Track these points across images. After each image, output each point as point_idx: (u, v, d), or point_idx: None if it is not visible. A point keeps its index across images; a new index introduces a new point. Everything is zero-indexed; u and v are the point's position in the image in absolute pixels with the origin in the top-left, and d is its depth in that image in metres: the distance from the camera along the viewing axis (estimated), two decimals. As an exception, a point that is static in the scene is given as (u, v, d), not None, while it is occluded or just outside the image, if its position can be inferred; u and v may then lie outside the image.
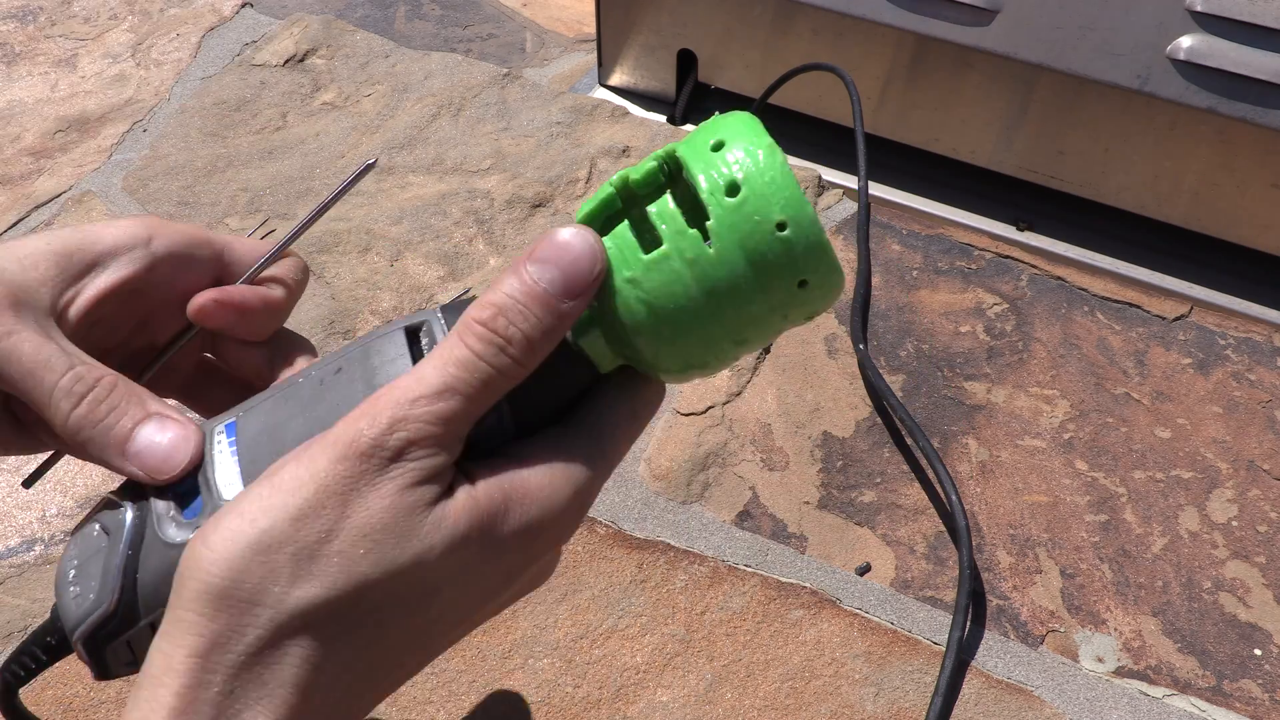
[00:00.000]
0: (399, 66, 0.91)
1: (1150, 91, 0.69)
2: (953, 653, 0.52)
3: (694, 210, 0.26)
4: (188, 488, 0.27)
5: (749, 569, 0.56)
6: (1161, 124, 0.71)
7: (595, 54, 0.96)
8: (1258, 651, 0.54)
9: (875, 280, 0.74)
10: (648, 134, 0.84)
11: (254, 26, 0.96)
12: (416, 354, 0.28)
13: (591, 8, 1.07)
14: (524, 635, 0.53)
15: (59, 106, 0.87)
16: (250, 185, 0.79)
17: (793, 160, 0.86)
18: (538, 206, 0.78)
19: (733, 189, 0.25)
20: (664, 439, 0.62)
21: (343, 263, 0.72)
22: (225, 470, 0.27)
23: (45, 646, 0.29)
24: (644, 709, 0.50)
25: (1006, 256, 0.77)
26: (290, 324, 0.34)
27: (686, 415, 0.64)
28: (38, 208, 0.77)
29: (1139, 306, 0.73)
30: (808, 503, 0.60)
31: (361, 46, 0.94)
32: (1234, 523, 0.60)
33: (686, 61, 0.88)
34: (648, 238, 0.27)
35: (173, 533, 0.26)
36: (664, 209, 0.26)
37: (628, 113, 0.87)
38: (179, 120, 0.85)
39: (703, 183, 0.26)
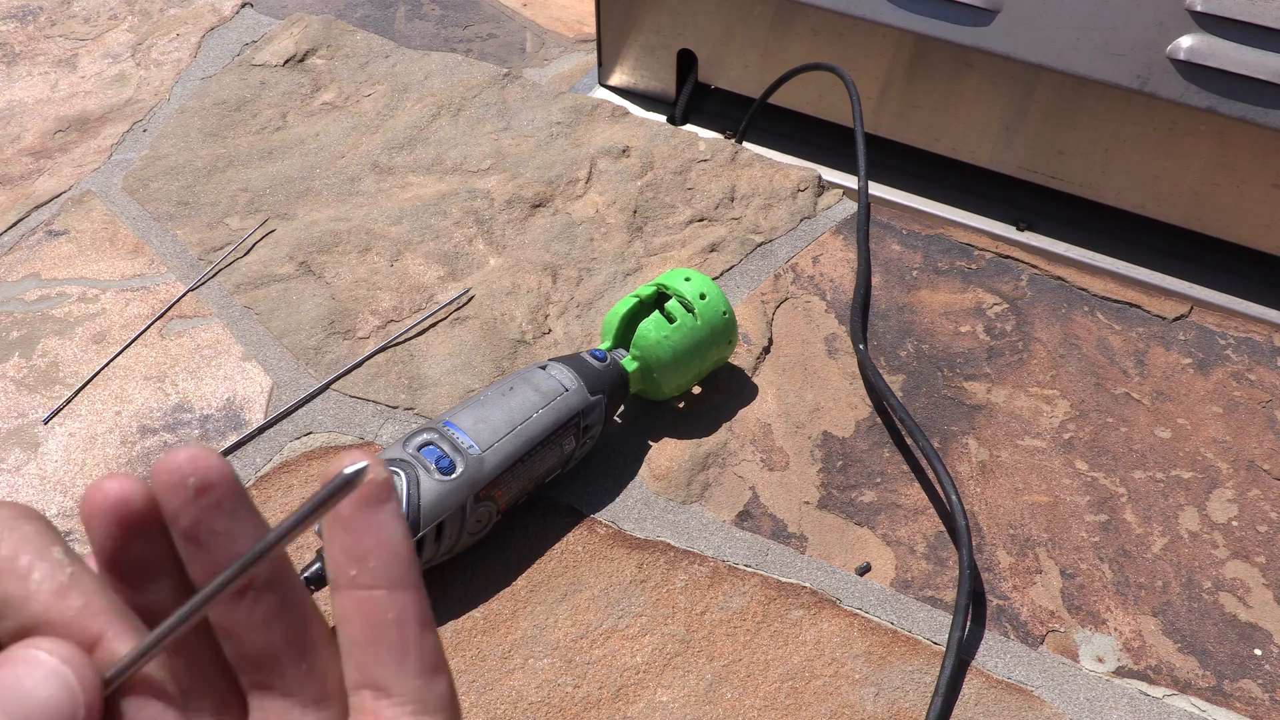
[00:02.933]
0: (399, 66, 0.91)
1: (1150, 91, 0.69)
2: (953, 653, 0.52)
3: (683, 308, 0.60)
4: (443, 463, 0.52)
5: (749, 569, 0.56)
6: (1161, 124, 0.71)
7: (595, 54, 0.96)
8: (1258, 651, 0.54)
9: (875, 280, 0.74)
10: (647, 134, 0.84)
11: (254, 26, 0.96)
12: (552, 375, 0.56)
13: (591, 8, 1.07)
14: (524, 635, 0.53)
15: (59, 106, 0.87)
16: (250, 185, 0.79)
17: (793, 160, 0.86)
18: (538, 206, 0.78)
19: (702, 296, 0.61)
20: (664, 439, 0.62)
21: (343, 263, 0.72)
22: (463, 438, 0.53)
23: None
24: (644, 709, 0.50)
25: (1006, 256, 0.77)
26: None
27: (686, 415, 0.64)
28: (38, 208, 0.77)
29: (1139, 306, 0.73)
30: (808, 503, 0.60)
31: (361, 46, 0.94)
32: (1234, 523, 0.60)
33: (686, 61, 0.88)
34: (667, 318, 0.60)
35: (438, 478, 0.50)
36: (674, 305, 0.60)
37: (628, 112, 0.87)
38: (179, 120, 0.85)
39: (687, 293, 0.61)
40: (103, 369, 0.65)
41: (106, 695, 0.19)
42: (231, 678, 0.21)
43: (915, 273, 0.75)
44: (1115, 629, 0.55)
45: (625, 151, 0.83)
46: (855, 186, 0.83)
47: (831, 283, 0.74)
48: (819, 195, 0.81)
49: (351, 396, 0.64)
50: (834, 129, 0.87)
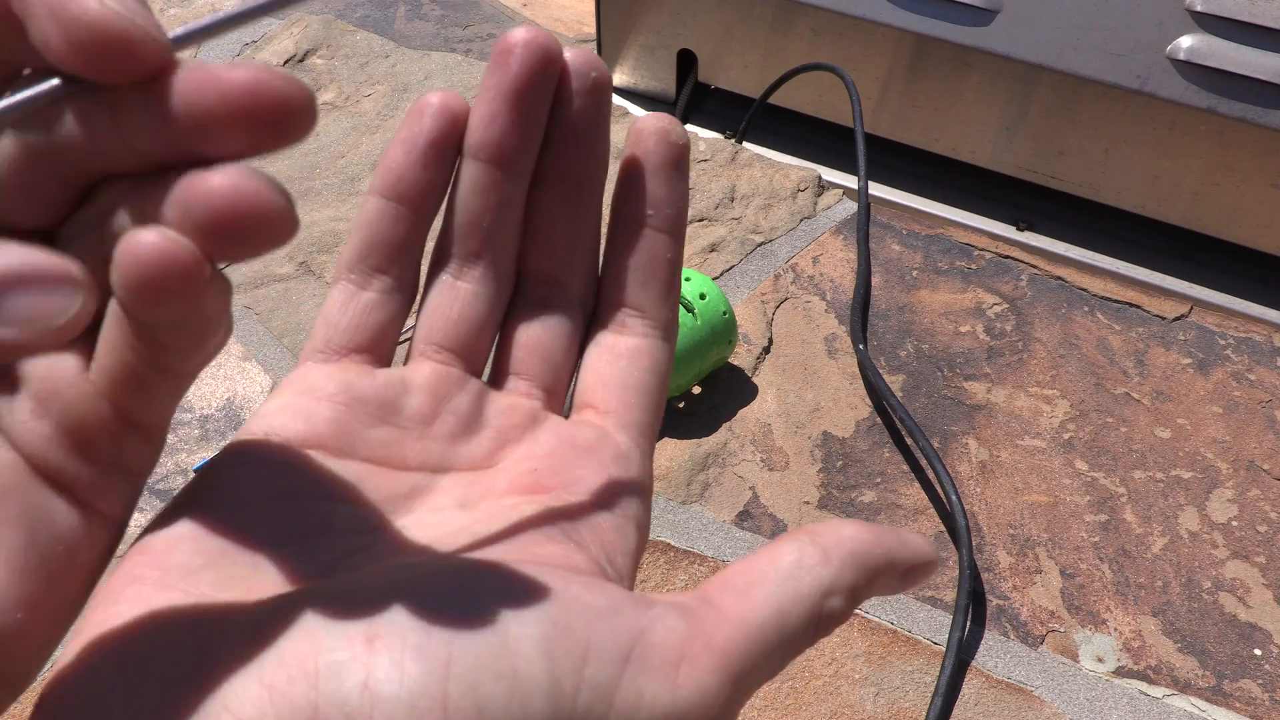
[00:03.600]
0: (399, 66, 0.91)
1: (1150, 91, 0.69)
2: (953, 653, 0.52)
3: (683, 307, 0.57)
4: None
5: (749, 569, 0.56)
6: (1161, 124, 0.71)
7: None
8: (1258, 651, 0.54)
9: (875, 280, 0.74)
10: (648, 134, 0.84)
11: (254, 26, 0.96)
12: None
13: (591, 7, 1.06)
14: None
15: (59, 106, 0.87)
16: (250, 185, 0.79)
17: (793, 160, 0.86)
18: (538, 206, 0.78)
19: (702, 296, 0.60)
20: (664, 439, 0.62)
21: (343, 263, 0.72)
22: None
23: None
24: (644, 709, 0.50)
25: (1006, 256, 0.77)
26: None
27: (686, 415, 0.64)
28: (38, 208, 0.77)
29: (1139, 306, 0.73)
30: (808, 503, 0.60)
31: (361, 46, 0.94)
32: (1234, 523, 0.60)
33: (686, 61, 0.88)
34: None
35: None
36: None
37: (627, 112, 0.87)
38: (179, 120, 0.85)
39: (687, 293, 0.60)
40: (103, 369, 0.65)
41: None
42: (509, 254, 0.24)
43: (915, 273, 0.75)
44: (1115, 629, 0.55)
45: (625, 151, 0.83)
46: (855, 186, 0.83)
47: (831, 283, 0.74)
48: (819, 195, 0.81)
49: (351, 396, 0.64)
50: (834, 129, 0.87)
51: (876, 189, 0.83)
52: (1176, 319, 0.73)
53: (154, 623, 0.16)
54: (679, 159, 0.24)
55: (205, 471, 0.20)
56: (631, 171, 0.24)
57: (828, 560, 0.19)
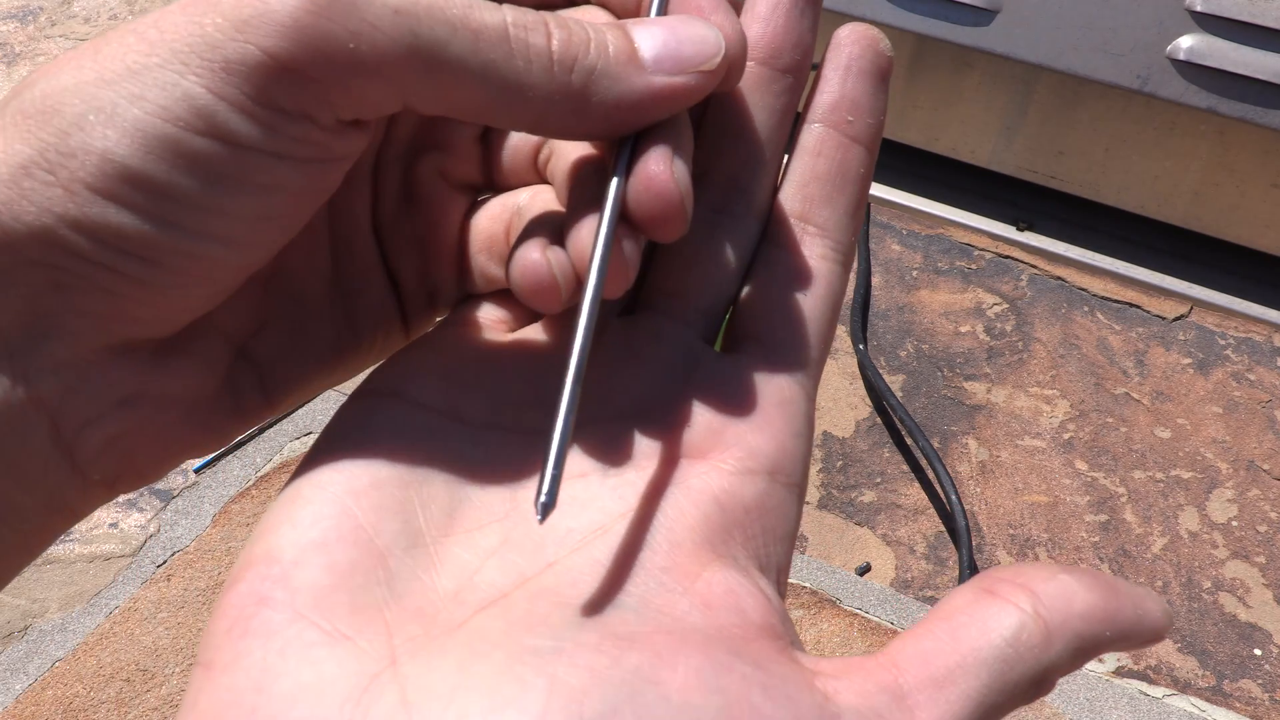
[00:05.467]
0: (399, 66, 0.91)
1: (1150, 91, 0.69)
2: (953, 653, 0.52)
3: None
4: None
5: (749, 569, 0.56)
6: (1161, 124, 0.71)
7: (595, 54, 0.95)
8: (1258, 651, 0.54)
9: (875, 280, 0.74)
10: (648, 134, 0.84)
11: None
12: None
13: (591, 8, 1.06)
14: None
15: (59, 106, 0.87)
16: (250, 185, 0.79)
17: (793, 160, 0.86)
18: (538, 206, 0.78)
19: None
20: (664, 439, 0.63)
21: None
22: None
23: None
24: (644, 709, 0.50)
25: (1006, 256, 0.77)
26: None
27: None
28: (38, 208, 0.77)
29: (1139, 306, 0.73)
30: (808, 503, 0.60)
31: (361, 46, 0.94)
32: (1234, 523, 0.60)
33: (686, 61, 0.88)
34: None
35: None
36: None
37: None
38: (179, 120, 0.85)
39: None
40: (103, 369, 0.65)
41: None
42: None
43: (915, 273, 0.75)
44: (1115, 629, 0.55)
45: (625, 151, 0.83)
46: (855, 186, 0.83)
47: (831, 283, 0.74)
48: (819, 195, 0.81)
49: (351, 396, 0.64)
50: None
51: (876, 189, 0.83)
52: (1176, 319, 0.73)
53: (295, 687, 0.15)
54: (885, 70, 0.21)
55: (334, 429, 0.19)
56: (831, 73, 0.21)
57: (1050, 642, 0.16)
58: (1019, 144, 0.77)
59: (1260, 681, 0.53)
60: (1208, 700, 0.52)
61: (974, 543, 0.58)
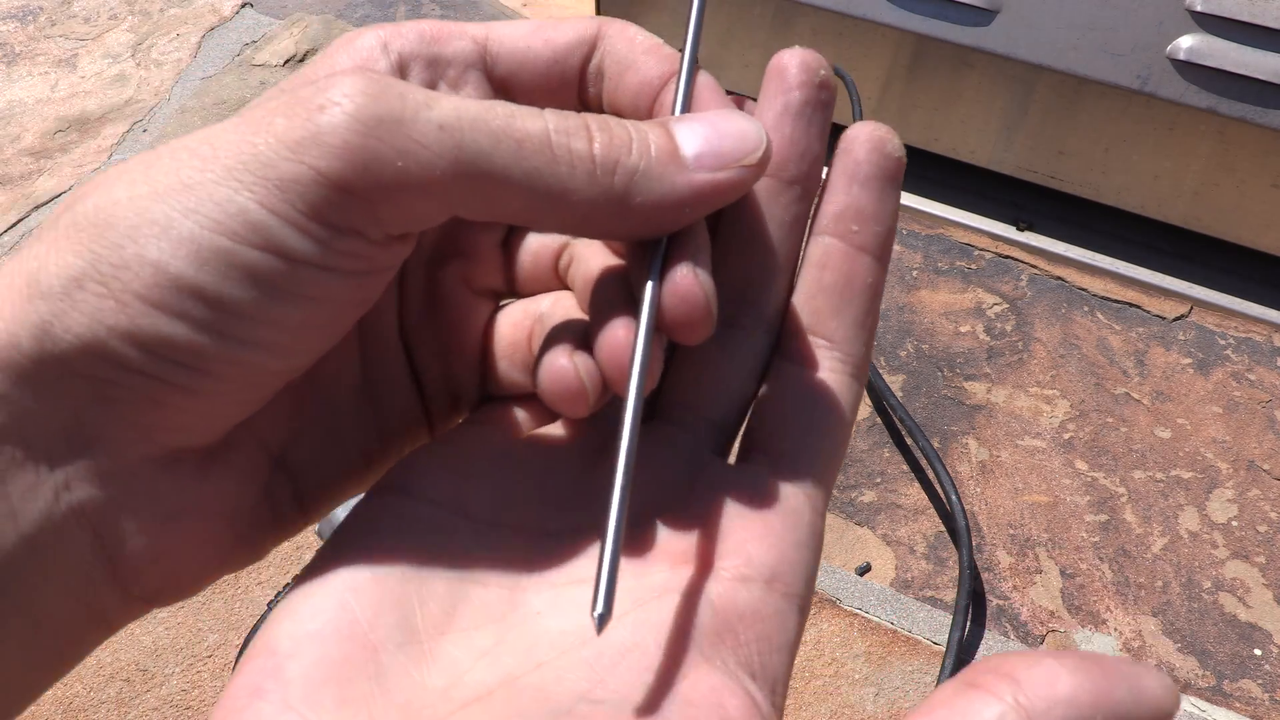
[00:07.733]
0: (399, 66, 0.91)
1: (1150, 91, 0.69)
2: (953, 653, 0.52)
3: None
4: None
5: (749, 569, 0.56)
6: (1161, 124, 0.71)
7: (595, 54, 0.95)
8: (1258, 651, 0.54)
9: (875, 280, 0.74)
10: (648, 134, 0.84)
11: (254, 26, 0.96)
12: None
13: (591, 8, 1.07)
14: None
15: (59, 106, 0.87)
16: (250, 185, 0.79)
17: (793, 160, 0.86)
18: (538, 206, 0.78)
19: None
20: (664, 439, 0.63)
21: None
22: None
23: None
24: (644, 709, 0.50)
25: (1006, 256, 0.77)
26: None
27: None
28: (38, 208, 0.77)
29: (1139, 306, 0.73)
30: (808, 503, 0.60)
31: (361, 46, 0.94)
32: (1234, 523, 0.60)
33: (686, 61, 0.88)
34: None
35: None
36: None
37: (628, 113, 0.87)
38: (179, 120, 0.85)
39: None
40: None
41: None
42: None
43: (915, 273, 0.75)
44: (1115, 629, 0.55)
45: (625, 151, 0.83)
46: (855, 186, 0.83)
47: (831, 283, 0.74)
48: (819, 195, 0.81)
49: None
50: (834, 129, 0.87)
51: (876, 189, 0.83)
52: (1176, 319, 0.73)
53: None
54: (894, 173, 0.21)
55: (346, 526, 0.20)
56: (838, 180, 0.21)
57: None
58: (1019, 144, 0.77)
59: (1260, 681, 0.53)
60: (1208, 700, 0.52)
61: (974, 543, 0.58)
